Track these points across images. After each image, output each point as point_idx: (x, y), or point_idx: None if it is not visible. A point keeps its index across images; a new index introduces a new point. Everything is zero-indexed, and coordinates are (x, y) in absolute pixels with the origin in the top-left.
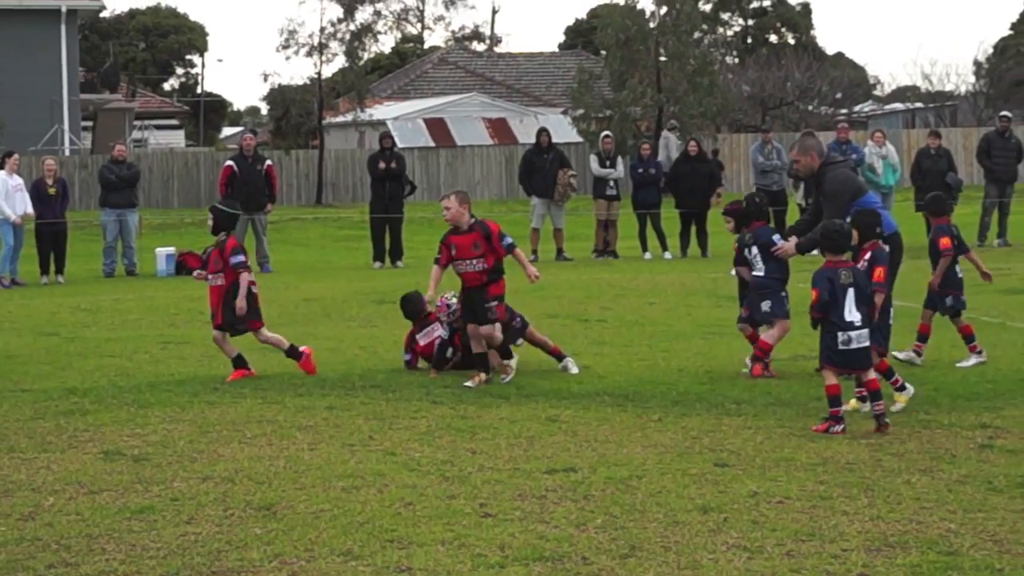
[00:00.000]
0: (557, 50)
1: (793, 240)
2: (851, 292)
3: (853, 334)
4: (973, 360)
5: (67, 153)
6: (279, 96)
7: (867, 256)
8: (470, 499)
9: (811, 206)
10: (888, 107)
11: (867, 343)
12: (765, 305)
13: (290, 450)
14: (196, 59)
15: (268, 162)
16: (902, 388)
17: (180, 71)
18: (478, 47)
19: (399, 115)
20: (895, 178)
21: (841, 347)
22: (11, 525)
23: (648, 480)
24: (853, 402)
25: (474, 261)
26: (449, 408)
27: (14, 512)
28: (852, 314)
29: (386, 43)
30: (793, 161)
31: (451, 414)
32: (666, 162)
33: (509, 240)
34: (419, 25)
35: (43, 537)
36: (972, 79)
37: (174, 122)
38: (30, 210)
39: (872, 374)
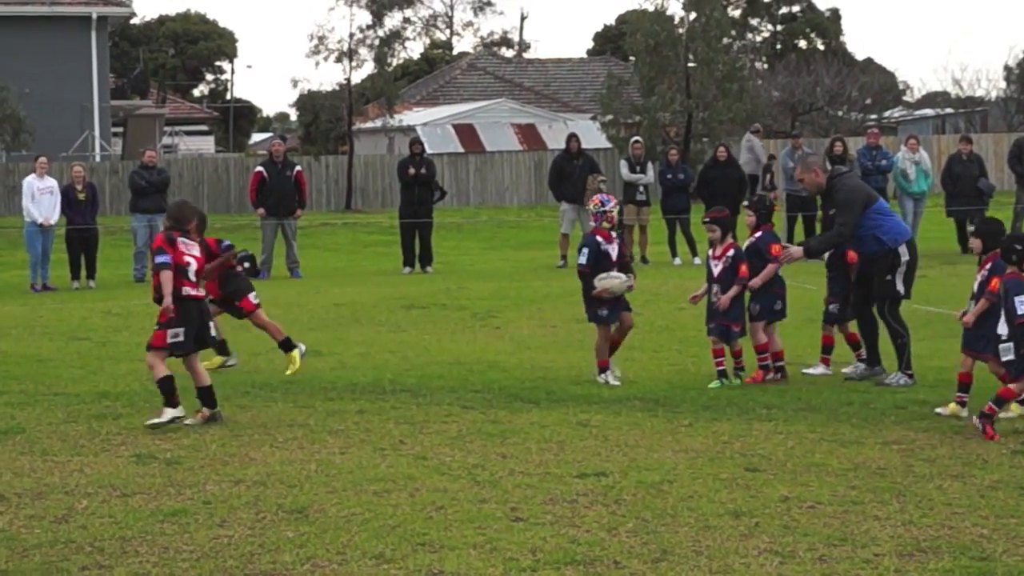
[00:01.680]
0: (586, 56)
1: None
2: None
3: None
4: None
5: (98, 159)
6: (308, 102)
7: (987, 266)
8: (501, 503)
9: (825, 219)
10: (918, 112)
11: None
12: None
13: (321, 454)
14: (226, 65)
15: (298, 168)
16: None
17: (210, 77)
18: (507, 53)
19: (428, 121)
20: (927, 184)
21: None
22: (45, 527)
23: (679, 484)
24: (1015, 407)
25: None
26: (480, 413)
27: (48, 514)
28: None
29: (415, 49)
30: (798, 180)
31: (482, 419)
32: (753, 164)
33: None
34: (448, 31)
35: (77, 539)
36: (1003, 84)
37: (204, 128)
38: (55, 218)
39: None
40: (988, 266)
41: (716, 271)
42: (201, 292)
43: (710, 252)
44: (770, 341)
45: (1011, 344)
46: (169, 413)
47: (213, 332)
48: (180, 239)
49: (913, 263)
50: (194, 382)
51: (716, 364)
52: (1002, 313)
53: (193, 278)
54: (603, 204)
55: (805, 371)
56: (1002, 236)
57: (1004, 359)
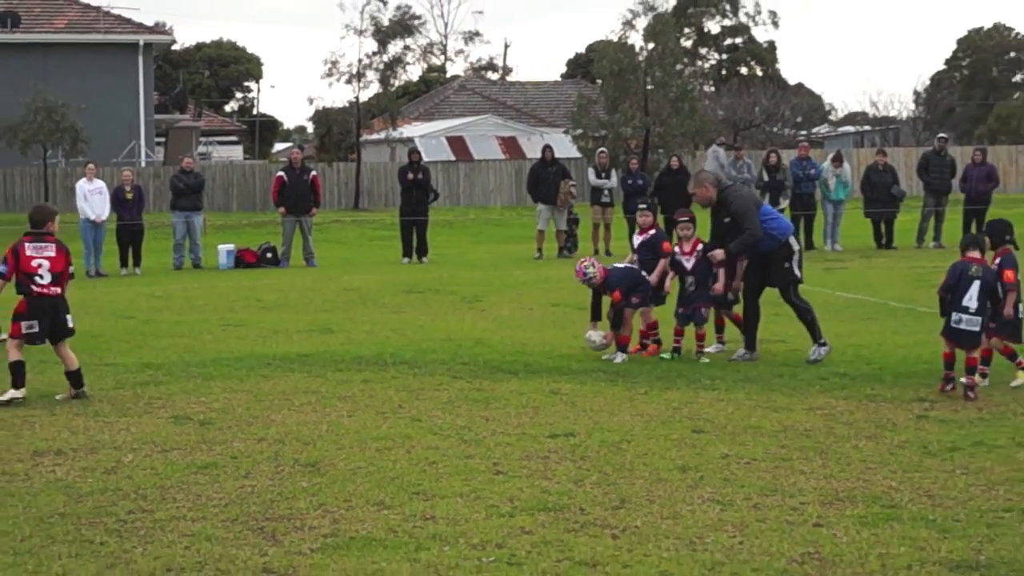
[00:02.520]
0: (560, 79)
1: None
2: (976, 284)
3: (964, 317)
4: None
5: (143, 164)
6: (323, 117)
7: (998, 260)
8: (484, 459)
9: (715, 228)
10: (841, 129)
11: (977, 328)
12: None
13: (332, 416)
14: (252, 85)
15: (313, 173)
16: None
17: (239, 95)
18: (492, 76)
19: (425, 133)
20: (846, 192)
21: (953, 325)
22: (97, 478)
23: (636, 443)
24: (1020, 374)
25: None
26: (467, 382)
27: (99, 467)
28: (971, 301)
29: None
30: (691, 194)
31: (468, 387)
32: (718, 171)
33: None
34: (442, 57)
35: (123, 488)
36: (912, 106)
37: (233, 138)
38: (105, 214)
39: (975, 353)
40: (998, 260)
41: (689, 265)
42: (56, 289)
43: (678, 248)
44: (645, 316)
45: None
46: (10, 394)
47: (71, 324)
48: (31, 244)
49: (801, 252)
50: (64, 366)
51: (675, 341)
52: (975, 288)
53: (46, 278)
54: (584, 275)
55: (704, 350)
56: (1008, 235)
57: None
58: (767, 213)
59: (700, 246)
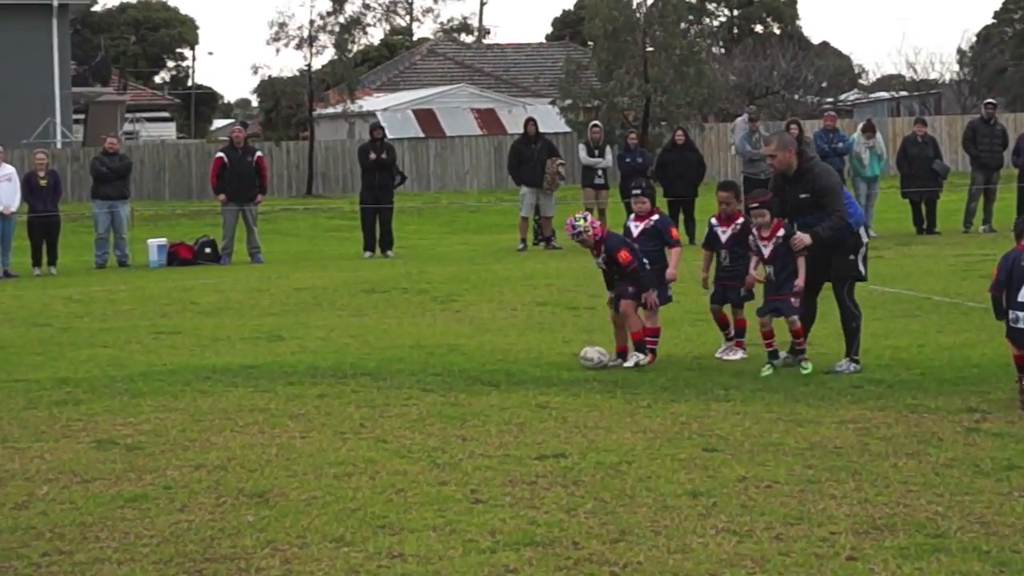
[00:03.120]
0: (545, 41)
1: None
2: None
3: (1021, 314)
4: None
5: (59, 146)
6: (269, 88)
7: None
8: (461, 485)
9: (780, 203)
10: (873, 95)
11: None
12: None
13: (282, 438)
14: (187, 52)
15: (258, 153)
16: None
17: (171, 64)
18: (466, 39)
19: (388, 106)
20: (881, 167)
21: (1012, 325)
22: (5, 514)
23: (637, 465)
24: None
25: None
26: (440, 395)
27: (8, 501)
28: None
29: (375, 35)
30: (769, 155)
31: (441, 401)
32: (741, 148)
33: None
34: (408, 17)
35: (37, 526)
36: (956, 67)
37: (165, 115)
38: (15, 205)
39: None
40: None
41: (767, 252)
42: None
43: (756, 233)
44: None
45: None
46: None
47: None
48: None
49: (866, 248)
50: None
51: (766, 345)
52: None
53: None
54: (573, 228)
55: (720, 354)
56: None
57: None
58: (845, 195)
59: (781, 230)
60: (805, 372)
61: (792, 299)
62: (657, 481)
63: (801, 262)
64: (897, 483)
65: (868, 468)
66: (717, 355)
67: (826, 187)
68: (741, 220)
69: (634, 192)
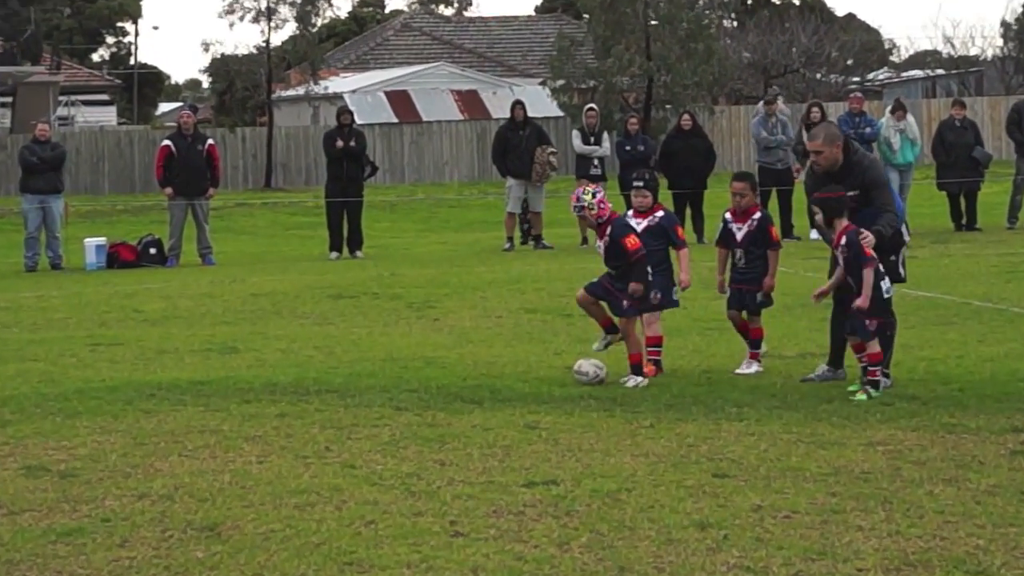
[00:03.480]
0: (534, 14)
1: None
2: None
3: None
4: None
5: None
6: (222, 67)
7: None
8: (439, 516)
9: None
10: (906, 74)
11: None
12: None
13: (236, 463)
14: (128, 27)
15: (210, 141)
16: None
17: (111, 40)
18: (445, 11)
19: (358, 88)
20: (914, 154)
21: None
22: None
23: (638, 493)
24: None
25: None
26: (415, 415)
27: None
28: None
29: (342, 7)
30: (815, 151)
31: (417, 421)
32: (756, 134)
33: None
34: None
35: None
36: (999, 42)
37: (104, 97)
38: None
39: None
40: None
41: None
42: None
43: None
44: (651, 328)
45: None
46: None
47: None
48: None
49: (907, 247)
50: None
51: (860, 362)
52: None
53: None
54: (578, 200)
55: (737, 371)
56: None
57: None
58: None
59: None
60: (857, 398)
61: (868, 320)
62: (660, 511)
63: (868, 275)
64: (932, 513)
65: (900, 496)
66: (737, 371)
67: (876, 180)
68: (758, 215)
69: (635, 185)
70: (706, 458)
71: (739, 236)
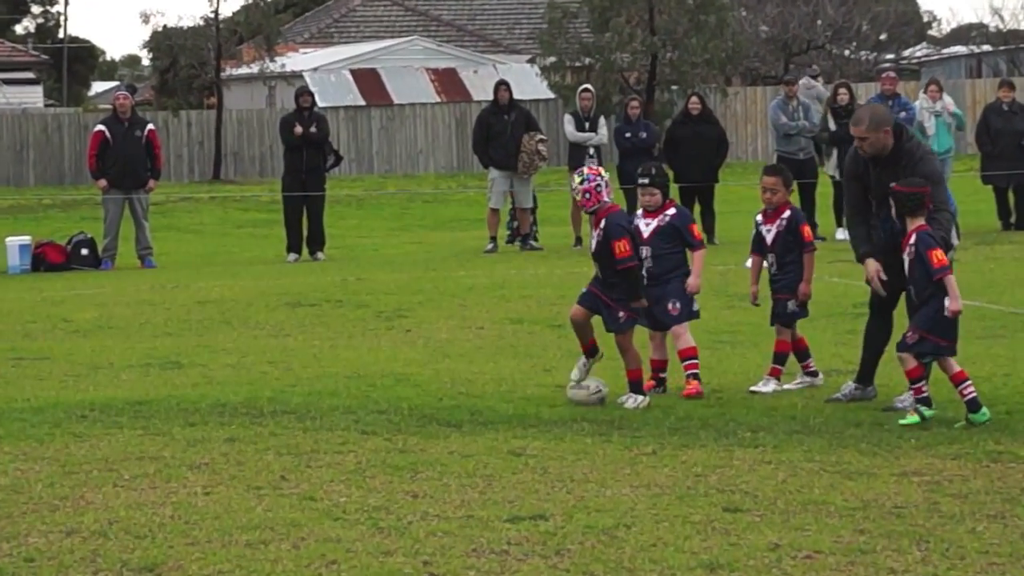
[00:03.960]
0: None
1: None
2: None
3: None
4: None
5: None
6: (164, 42)
7: None
8: (411, 556)
9: (861, 191)
10: (947, 51)
11: None
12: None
13: (179, 495)
14: None
15: (150, 126)
16: None
17: (36, 10)
18: None
19: (319, 65)
20: (951, 141)
21: None
22: None
23: (639, 530)
24: None
25: None
26: (384, 439)
27: None
28: None
29: None
30: (860, 137)
31: (386, 447)
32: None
33: None
34: None
35: None
36: None
37: (29, 75)
38: None
39: None
40: None
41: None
42: None
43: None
44: (659, 348)
45: None
46: None
47: None
48: None
49: (955, 251)
50: None
51: (915, 391)
52: None
53: None
54: (582, 176)
55: (752, 388)
56: None
57: None
58: None
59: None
60: (908, 420)
61: (933, 338)
62: (664, 550)
63: (951, 281)
64: (975, 553)
65: (937, 534)
66: (786, 386)
67: (931, 175)
68: (788, 213)
69: (641, 182)
70: (716, 490)
71: (769, 239)
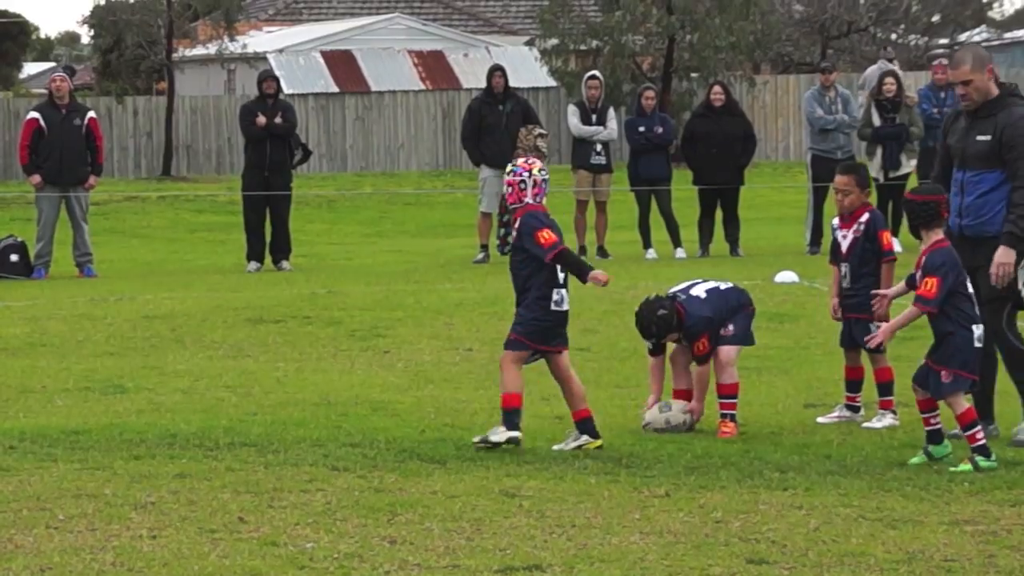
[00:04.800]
0: None
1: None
2: None
3: None
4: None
5: None
6: (107, 17)
7: None
8: None
9: (941, 160)
10: (1009, 35)
11: None
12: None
13: (122, 538)
14: None
15: (91, 114)
16: None
17: None
18: None
19: (285, 46)
20: None
21: None
22: None
23: None
24: None
25: None
26: (358, 477)
27: None
28: None
29: None
30: (961, 83)
31: (360, 485)
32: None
33: None
34: None
35: None
36: None
37: None
38: None
39: None
40: None
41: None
42: None
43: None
44: (726, 374)
45: None
46: None
47: None
48: None
49: None
50: None
51: (925, 422)
52: None
53: None
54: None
55: (866, 424)
56: None
57: None
58: None
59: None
60: (960, 469)
61: (953, 373)
62: None
63: (907, 315)
64: None
65: None
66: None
67: (1020, 140)
68: (866, 217)
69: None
70: (738, 538)
71: (844, 246)
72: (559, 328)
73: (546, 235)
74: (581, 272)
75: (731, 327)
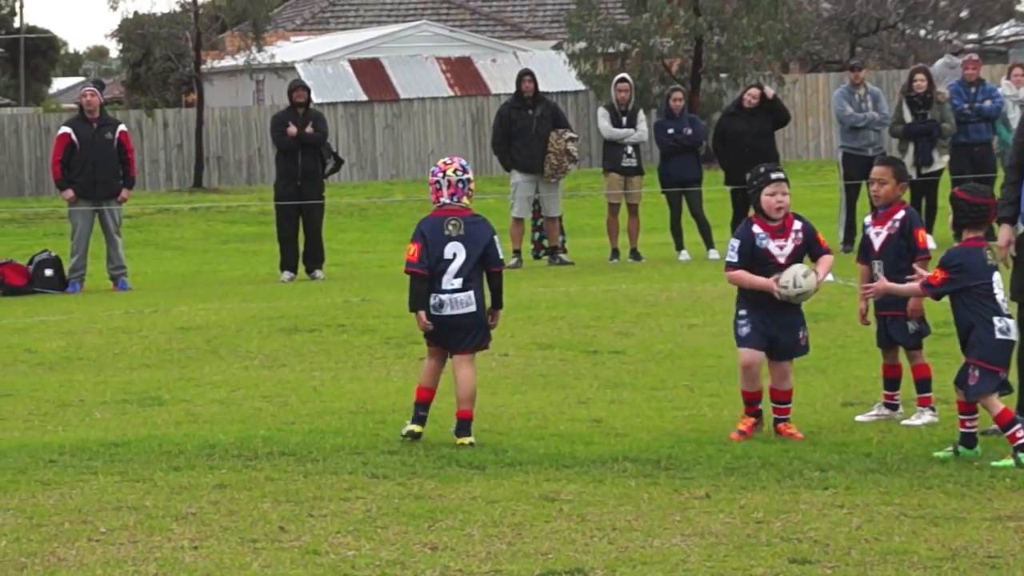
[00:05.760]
0: None
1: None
2: None
3: None
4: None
5: None
6: (135, 31)
7: None
8: None
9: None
10: None
11: None
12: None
13: (164, 549)
14: None
15: (122, 128)
16: None
17: None
18: None
19: (314, 55)
20: None
21: None
22: None
23: None
24: None
25: None
26: (397, 484)
27: None
28: None
29: None
30: None
31: (400, 492)
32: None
33: None
34: None
35: None
36: None
37: None
38: None
39: None
40: None
41: None
42: None
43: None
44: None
45: None
46: None
47: None
48: None
49: None
50: None
51: (960, 423)
52: None
53: None
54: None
55: (905, 422)
56: None
57: None
58: None
59: None
60: (1002, 464)
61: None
62: None
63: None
64: None
65: None
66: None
67: None
68: (902, 214)
69: (774, 178)
70: (780, 538)
71: (877, 243)
72: (446, 331)
73: (409, 249)
74: (411, 302)
75: (804, 335)
